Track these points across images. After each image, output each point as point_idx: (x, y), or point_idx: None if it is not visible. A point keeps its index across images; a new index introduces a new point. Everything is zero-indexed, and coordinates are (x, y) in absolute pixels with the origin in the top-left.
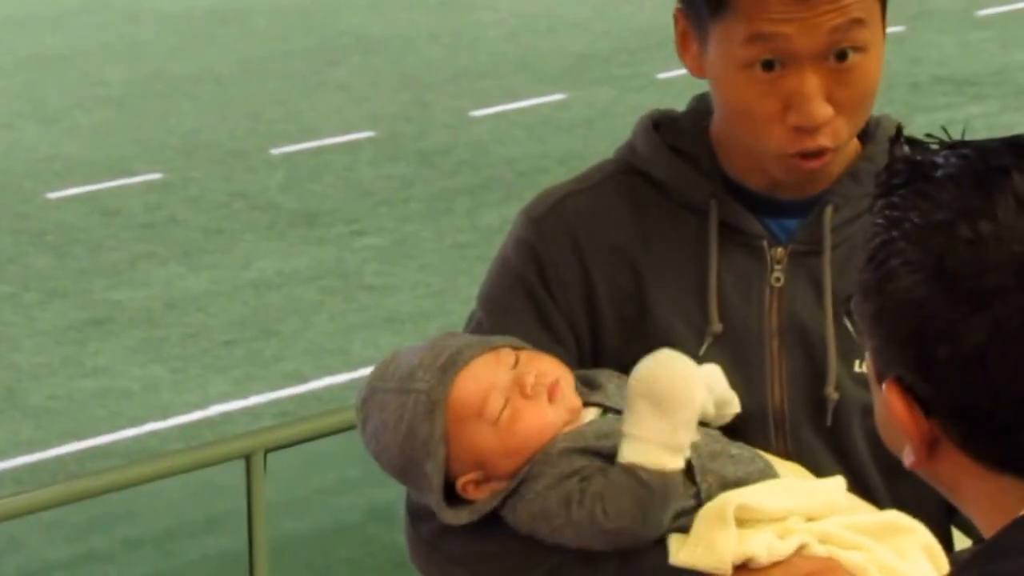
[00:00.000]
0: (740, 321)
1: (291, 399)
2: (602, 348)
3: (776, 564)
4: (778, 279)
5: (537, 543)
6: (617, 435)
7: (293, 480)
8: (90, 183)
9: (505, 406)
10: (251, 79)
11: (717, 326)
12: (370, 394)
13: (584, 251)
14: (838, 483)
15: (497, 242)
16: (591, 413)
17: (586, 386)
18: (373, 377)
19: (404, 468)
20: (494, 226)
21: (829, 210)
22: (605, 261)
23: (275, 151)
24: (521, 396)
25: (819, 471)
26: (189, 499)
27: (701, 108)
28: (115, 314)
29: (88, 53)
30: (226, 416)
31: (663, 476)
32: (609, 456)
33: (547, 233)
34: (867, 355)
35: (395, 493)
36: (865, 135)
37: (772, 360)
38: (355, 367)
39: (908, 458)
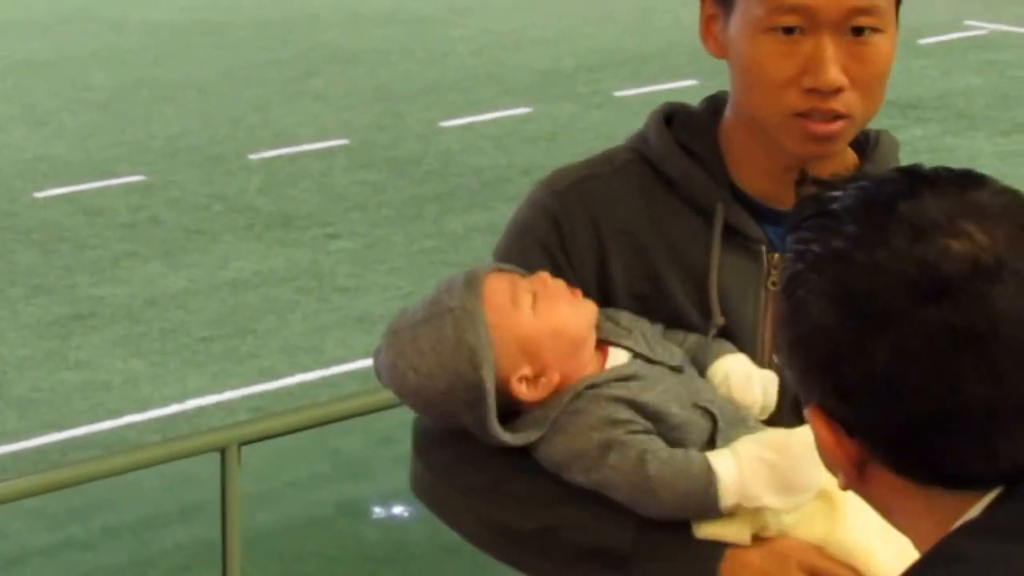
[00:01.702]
0: (737, 317)
1: (265, 395)
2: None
3: (797, 544)
4: (774, 283)
5: (558, 488)
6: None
7: (266, 473)
8: (75, 184)
9: (536, 298)
10: (232, 87)
11: (720, 319)
12: (393, 337)
13: (601, 229)
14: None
15: (463, 247)
16: (622, 355)
17: (611, 322)
18: (393, 324)
19: (450, 388)
20: (460, 232)
21: None
22: (619, 241)
23: (253, 156)
24: (547, 293)
25: None
26: (166, 490)
27: (712, 107)
28: (98, 310)
29: (76, 60)
30: (202, 410)
31: (716, 506)
32: (652, 416)
33: (568, 206)
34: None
35: (364, 489)
36: (863, 152)
37: (765, 353)
38: (327, 365)
39: (841, 481)
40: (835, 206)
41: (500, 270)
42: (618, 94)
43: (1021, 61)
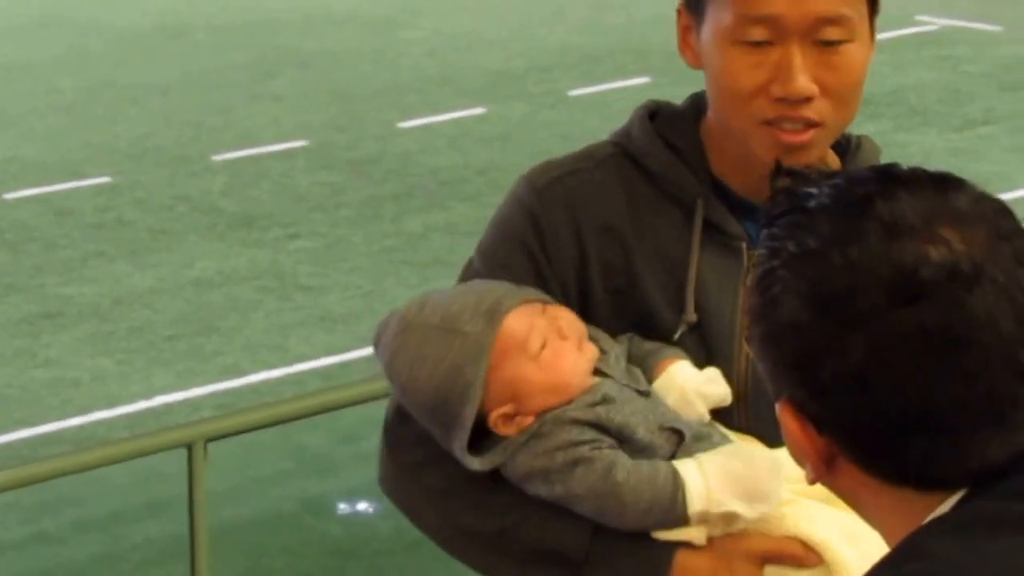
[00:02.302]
0: (714, 313)
1: (230, 392)
2: (589, 315)
3: (744, 536)
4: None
5: (521, 493)
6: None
7: (232, 469)
8: (44, 185)
9: (545, 345)
10: (194, 90)
11: (692, 316)
12: (405, 327)
13: (581, 227)
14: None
15: (422, 247)
16: (595, 378)
17: (591, 343)
18: (408, 312)
19: (434, 405)
20: (418, 232)
21: None
22: (599, 238)
23: (216, 158)
24: (559, 337)
25: (774, 444)
26: (134, 485)
27: (696, 105)
28: (66, 308)
29: (44, 63)
30: (169, 407)
31: (683, 515)
32: (617, 435)
33: (549, 203)
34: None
35: (328, 486)
36: (844, 156)
37: (740, 351)
38: (290, 362)
39: (809, 474)
40: (811, 204)
41: (527, 302)
42: (571, 93)
43: (973, 56)
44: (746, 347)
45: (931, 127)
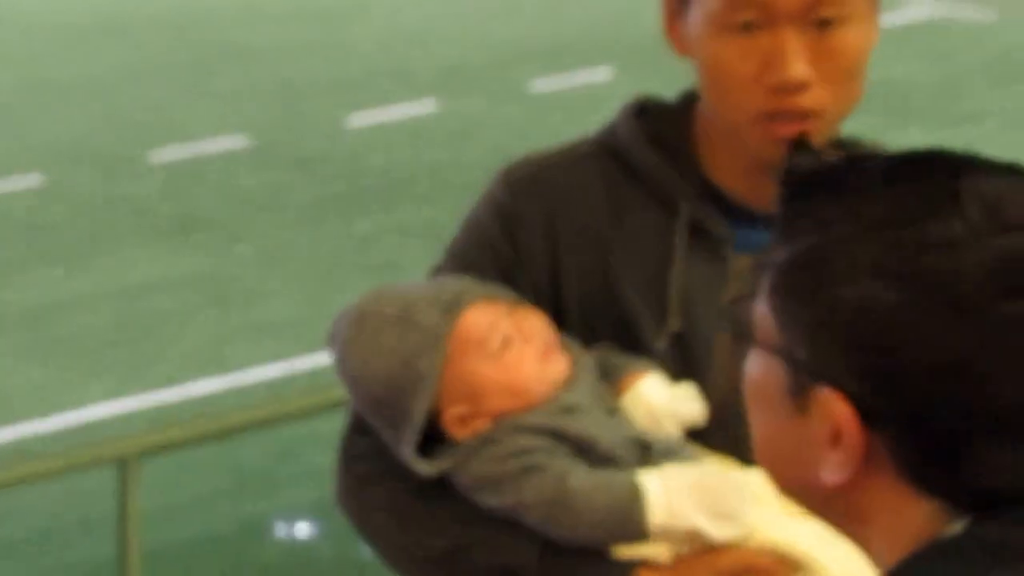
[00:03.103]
0: (696, 322)
1: (166, 405)
2: (563, 322)
3: (711, 551)
4: (739, 289)
5: (471, 507)
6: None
7: (167, 487)
8: None
9: (506, 345)
10: (133, 87)
11: (675, 324)
12: (361, 317)
13: (556, 225)
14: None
15: (371, 251)
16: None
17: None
18: (364, 302)
19: (384, 398)
20: (368, 234)
21: None
22: (575, 238)
23: (155, 158)
24: (522, 340)
25: (748, 463)
26: (66, 502)
27: (688, 101)
28: None
29: None
30: (102, 420)
31: (641, 527)
32: (576, 445)
33: (522, 200)
34: (765, 362)
35: (266, 507)
36: None
37: (721, 364)
38: (230, 373)
39: (833, 475)
40: (870, 171)
41: (488, 300)
42: (531, 88)
43: (966, 46)
44: (722, 361)
45: (922, 122)
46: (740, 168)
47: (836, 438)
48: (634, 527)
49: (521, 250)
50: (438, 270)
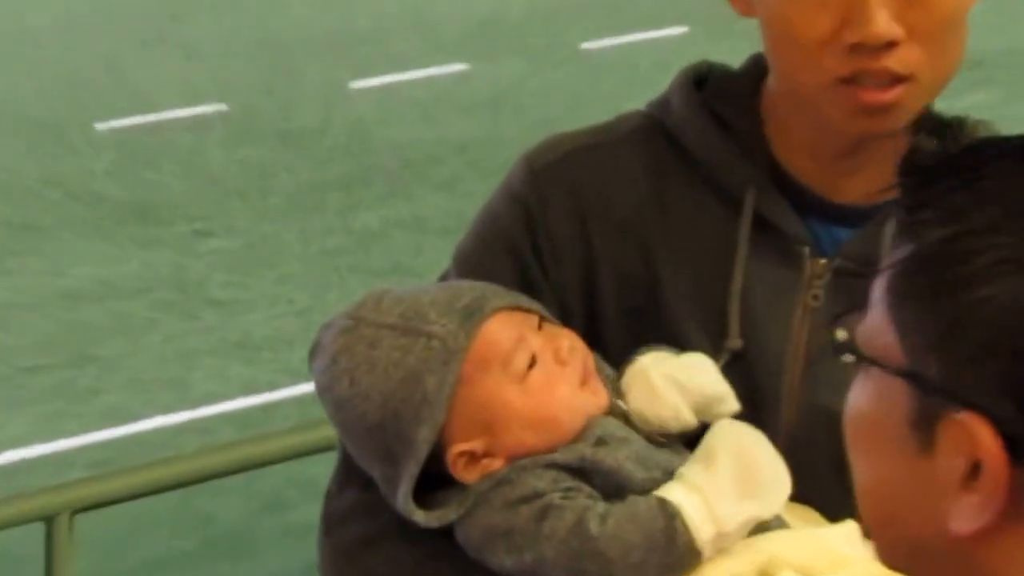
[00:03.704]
0: (762, 339)
1: (110, 444)
2: (599, 341)
3: None
4: (816, 297)
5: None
6: (659, 464)
7: (111, 550)
8: None
9: (535, 365)
10: (73, 38)
11: (736, 341)
12: (353, 325)
13: (589, 220)
14: (850, 529)
15: (378, 249)
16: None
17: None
18: (358, 308)
19: (380, 425)
20: (374, 228)
21: (892, 224)
22: (613, 236)
23: (101, 126)
24: (555, 361)
25: (829, 514)
26: None
27: (756, 68)
28: None
29: None
30: (25, 464)
31: (692, 548)
32: (605, 483)
33: (547, 191)
34: (879, 388)
35: (244, 570)
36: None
37: (791, 390)
38: (195, 404)
39: (966, 522)
40: (1007, 152)
41: (518, 309)
42: (584, 47)
43: None
44: (793, 388)
45: None
46: (817, 150)
47: (972, 475)
48: (682, 551)
49: (545, 255)
50: (445, 279)
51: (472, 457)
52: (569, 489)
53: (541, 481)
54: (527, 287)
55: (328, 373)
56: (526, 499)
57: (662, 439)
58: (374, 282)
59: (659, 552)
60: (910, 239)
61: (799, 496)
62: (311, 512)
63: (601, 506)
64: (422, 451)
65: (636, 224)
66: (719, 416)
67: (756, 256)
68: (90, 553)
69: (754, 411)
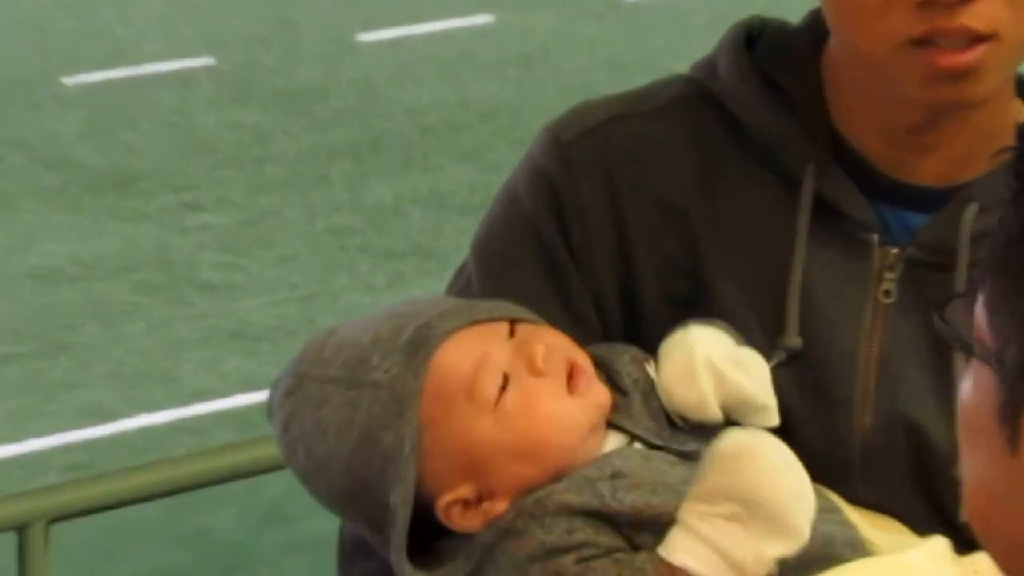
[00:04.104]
0: (826, 337)
1: (89, 446)
2: (638, 334)
3: None
4: (888, 292)
5: None
6: (661, 498)
7: (91, 564)
8: None
9: (507, 385)
10: None
11: (795, 340)
12: (296, 384)
13: (624, 200)
14: (937, 548)
15: (391, 226)
16: (613, 440)
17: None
18: (301, 359)
19: (351, 494)
20: (386, 203)
21: (973, 209)
22: (652, 218)
23: (70, 81)
24: (529, 373)
25: (911, 525)
26: None
27: (817, 25)
28: None
29: None
30: None
31: None
32: (631, 525)
33: (576, 167)
34: (976, 378)
35: None
36: None
37: (864, 394)
38: (185, 401)
39: None
40: None
41: (475, 323)
42: None
43: None
44: (867, 392)
45: None
46: (887, 123)
47: None
48: None
49: (575, 241)
50: (461, 276)
51: (466, 505)
52: (583, 545)
53: (551, 534)
54: (554, 277)
55: (283, 443)
56: (535, 558)
57: (682, 423)
58: (387, 264)
59: None
60: (1016, 215)
61: (877, 505)
62: (317, 525)
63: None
64: (401, 515)
65: (679, 205)
66: (751, 424)
67: (817, 244)
68: (67, 568)
69: (820, 415)
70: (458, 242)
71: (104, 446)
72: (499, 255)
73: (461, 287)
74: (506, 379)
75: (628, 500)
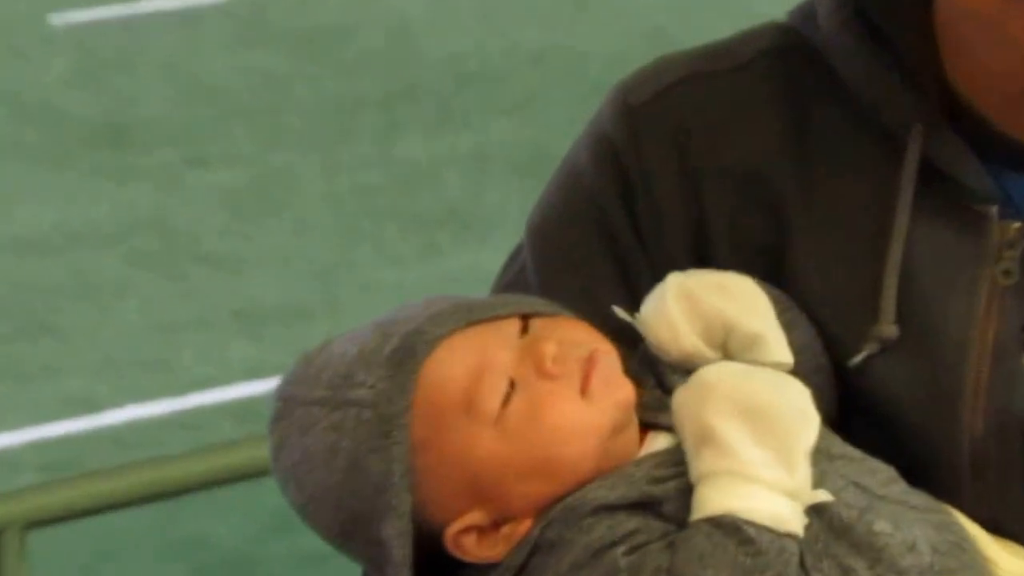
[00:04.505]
0: (930, 325)
1: (72, 440)
2: None
3: None
4: (1007, 272)
5: None
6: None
7: (73, 572)
8: None
9: (512, 392)
10: None
11: (890, 328)
12: (282, 409)
13: (701, 172)
14: None
15: (427, 189)
16: (661, 440)
17: (655, 384)
18: (288, 379)
19: (344, 532)
20: (419, 161)
21: None
22: (732, 192)
23: (57, 20)
24: (539, 377)
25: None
26: None
27: None
28: None
29: None
30: None
31: (781, 540)
32: (678, 509)
33: (646, 135)
34: None
35: None
36: None
37: (976, 391)
38: (181, 391)
39: None
40: None
41: (475, 323)
42: None
43: None
44: (979, 386)
45: None
46: (1008, 78)
47: None
48: (777, 559)
49: (643, 218)
50: (516, 259)
51: (481, 533)
52: (633, 535)
53: (593, 533)
54: (619, 264)
55: (277, 475)
56: (580, 565)
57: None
58: (418, 233)
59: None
60: None
61: (991, 522)
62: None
63: (667, 559)
64: (399, 550)
65: (763, 177)
66: (757, 363)
67: (923, 217)
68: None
69: (921, 417)
70: (501, 207)
71: (89, 441)
72: (556, 239)
73: (513, 276)
74: (512, 386)
75: (673, 484)
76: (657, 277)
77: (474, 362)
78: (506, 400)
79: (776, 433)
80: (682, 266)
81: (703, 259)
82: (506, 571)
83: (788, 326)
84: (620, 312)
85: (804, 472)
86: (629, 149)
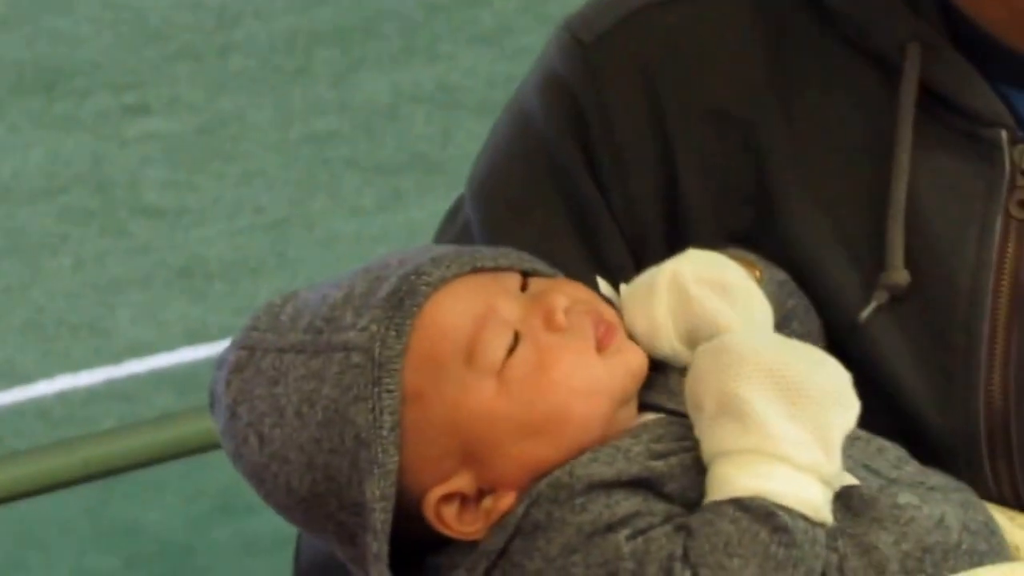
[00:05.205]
0: (942, 269)
1: (16, 410)
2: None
3: None
4: (1023, 204)
5: None
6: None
7: (21, 560)
8: None
9: (518, 344)
10: None
11: (900, 274)
12: (246, 357)
13: (667, 110)
14: None
15: (386, 133)
16: (648, 420)
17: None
18: (252, 327)
19: (314, 495)
20: (380, 102)
21: None
22: (705, 132)
23: None
24: (547, 329)
25: None
26: None
27: None
28: None
29: None
30: None
31: (814, 530)
32: (682, 494)
33: (604, 72)
34: None
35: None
36: None
37: (993, 344)
38: (118, 358)
39: None
40: None
41: (477, 271)
42: None
43: None
44: (999, 335)
45: None
46: None
47: None
48: (810, 546)
49: (604, 165)
50: (454, 220)
51: (463, 502)
52: (635, 516)
53: (588, 513)
54: (578, 218)
55: (228, 435)
56: (573, 548)
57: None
58: (379, 181)
59: (792, 565)
60: None
61: (1013, 497)
62: (278, 519)
63: (679, 545)
64: (380, 516)
65: (741, 112)
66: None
67: (925, 148)
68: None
69: (933, 372)
70: (471, 151)
71: (13, 416)
72: (505, 193)
73: (455, 235)
74: (516, 338)
75: (676, 460)
76: (619, 225)
77: (478, 309)
78: (511, 351)
79: (813, 411)
80: (647, 212)
81: (674, 211)
82: (482, 556)
83: (788, 316)
84: (603, 286)
85: (839, 458)
86: (587, 88)
